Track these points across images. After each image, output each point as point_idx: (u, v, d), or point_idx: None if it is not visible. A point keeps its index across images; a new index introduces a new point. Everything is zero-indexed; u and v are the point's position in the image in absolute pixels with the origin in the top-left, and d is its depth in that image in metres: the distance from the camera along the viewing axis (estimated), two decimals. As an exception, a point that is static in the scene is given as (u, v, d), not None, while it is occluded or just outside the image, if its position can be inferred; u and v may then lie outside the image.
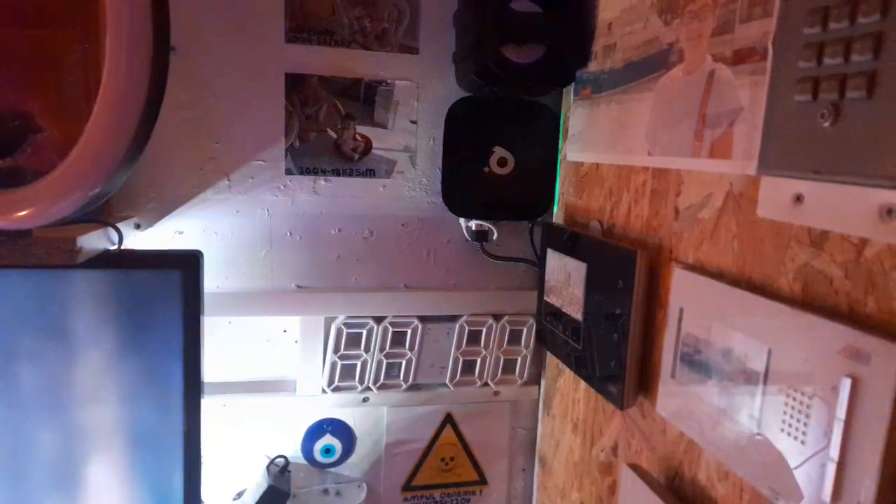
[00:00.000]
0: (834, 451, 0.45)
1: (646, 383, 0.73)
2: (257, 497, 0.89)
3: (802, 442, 0.48)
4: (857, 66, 0.42)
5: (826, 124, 0.45)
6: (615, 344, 0.76)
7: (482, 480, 1.10)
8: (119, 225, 0.77)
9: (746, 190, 0.58)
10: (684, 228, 0.67)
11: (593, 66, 0.91)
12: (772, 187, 0.54)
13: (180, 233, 0.91)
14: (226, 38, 0.90)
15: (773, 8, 0.52)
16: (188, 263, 0.76)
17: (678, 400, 0.66)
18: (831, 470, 0.45)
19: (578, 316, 0.86)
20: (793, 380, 0.50)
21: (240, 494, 0.95)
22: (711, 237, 0.63)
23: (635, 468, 0.72)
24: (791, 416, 0.50)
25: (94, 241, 0.67)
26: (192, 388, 0.79)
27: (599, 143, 0.88)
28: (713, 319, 0.60)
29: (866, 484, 0.43)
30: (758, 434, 0.53)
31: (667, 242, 0.70)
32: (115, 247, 0.75)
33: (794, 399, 0.50)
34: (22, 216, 0.58)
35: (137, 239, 0.89)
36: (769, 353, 0.53)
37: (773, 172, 0.53)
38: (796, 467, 0.49)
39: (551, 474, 1.04)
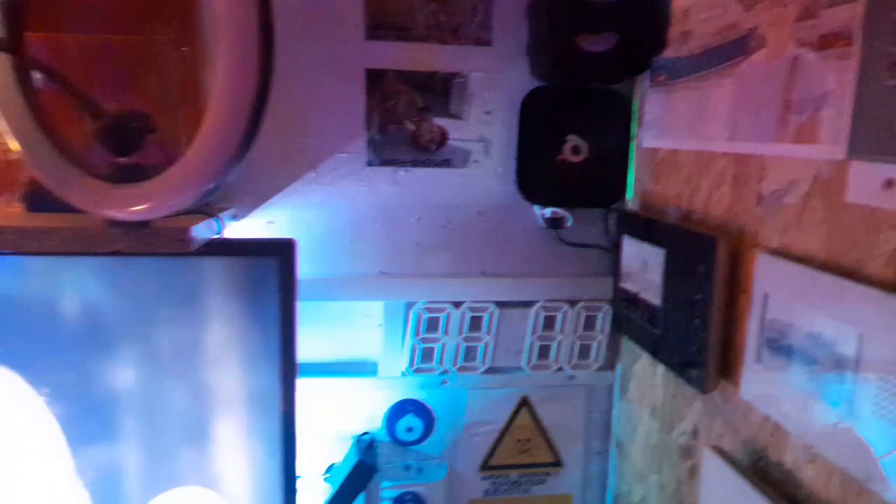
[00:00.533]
0: (928, 434, 0.45)
1: (728, 368, 0.74)
2: (347, 471, 0.94)
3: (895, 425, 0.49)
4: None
5: (921, 109, 0.45)
6: (696, 329, 0.76)
7: (558, 462, 1.12)
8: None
9: (834, 175, 0.58)
10: (768, 214, 0.67)
11: (669, 53, 0.91)
12: (862, 172, 0.54)
13: (271, 222, 0.97)
14: (310, 36, 0.94)
15: (863, -8, 0.52)
16: (284, 250, 0.81)
17: (763, 384, 0.66)
18: (925, 452, 0.46)
19: (656, 301, 0.87)
20: (885, 364, 0.50)
21: (329, 469, 1.01)
22: (797, 222, 0.63)
23: (719, 451, 0.73)
24: (883, 400, 0.50)
25: (202, 230, 0.73)
26: (289, 368, 0.84)
27: (677, 130, 0.88)
28: (800, 304, 0.60)
29: (963, 466, 0.43)
30: (848, 418, 0.54)
31: (749, 228, 0.71)
32: (218, 235, 0.81)
33: (887, 382, 0.50)
34: (143, 209, 0.64)
35: (233, 228, 0.95)
36: (860, 337, 0.53)
37: (863, 157, 0.53)
38: (890, 451, 0.50)
39: (628, 458, 1.05)
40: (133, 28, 0.92)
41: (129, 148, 0.65)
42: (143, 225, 0.66)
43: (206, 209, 0.78)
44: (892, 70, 0.49)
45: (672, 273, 0.83)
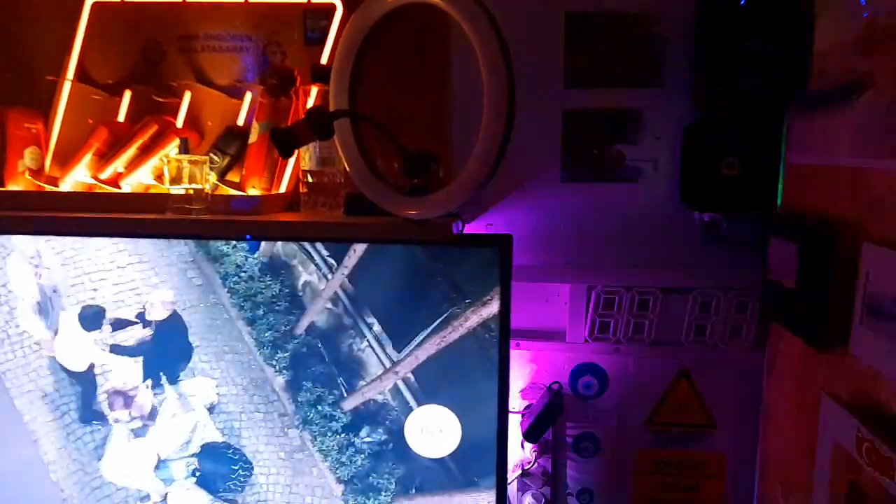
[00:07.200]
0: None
1: (844, 333, 0.95)
2: (541, 409, 1.27)
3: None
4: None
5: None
6: (821, 305, 0.99)
7: (712, 424, 1.36)
8: (456, 219, 1.21)
9: (913, 183, 0.80)
10: (873, 213, 0.90)
11: (810, 86, 1.13)
12: (927, 181, 0.77)
13: (490, 224, 1.34)
14: (523, 91, 1.27)
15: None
16: (504, 242, 1.16)
17: (866, 341, 0.88)
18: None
19: (793, 286, 1.09)
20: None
21: (527, 408, 1.35)
22: (892, 217, 0.85)
23: (833, 397, 0.95)
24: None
25: (454, 227, 1.11)
26: (505, 329, 1.18)
27: (813, 149, 1.11)
28: (888, 278, 0.83)
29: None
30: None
31: (862, 224, 0.92)
32: (460, 231, 1.18)
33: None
34: (427, 211, 1.03)
35: (465, 228, 1.32)
36: (922, 297, 0.75)
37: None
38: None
39: (771, 419, 1.27)
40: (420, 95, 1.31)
41: (421, 174, 1.04)
42: (425, 221, 1.05)
43: (454, 215, 1.16)
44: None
45: (805, 263, 1.05)
